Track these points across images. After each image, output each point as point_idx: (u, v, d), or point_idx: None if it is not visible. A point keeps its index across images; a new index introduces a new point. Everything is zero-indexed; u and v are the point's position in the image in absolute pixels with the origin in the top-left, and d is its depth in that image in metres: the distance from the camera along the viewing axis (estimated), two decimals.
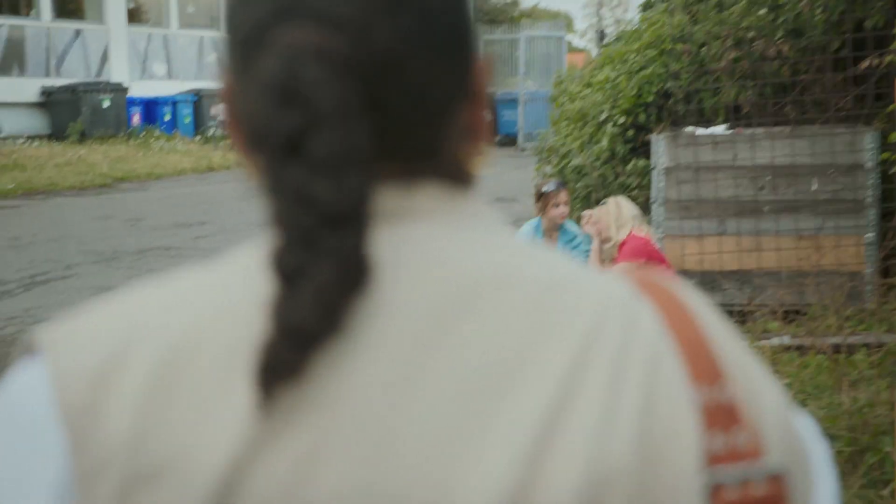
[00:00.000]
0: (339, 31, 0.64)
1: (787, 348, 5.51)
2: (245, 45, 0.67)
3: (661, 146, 6.37)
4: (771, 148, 6.19)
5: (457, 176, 0.71)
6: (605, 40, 22.62)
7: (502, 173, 18.05)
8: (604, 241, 5.78)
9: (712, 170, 6.29)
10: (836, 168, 6.12)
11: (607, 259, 5.86)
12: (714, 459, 0.61)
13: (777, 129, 6.40)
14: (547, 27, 24.91)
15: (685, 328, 0.65)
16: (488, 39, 26.36)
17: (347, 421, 0.61)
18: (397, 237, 0.66)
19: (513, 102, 22.24)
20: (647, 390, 0.62)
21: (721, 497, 0.61)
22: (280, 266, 0.62)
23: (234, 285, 0.67)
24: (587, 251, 6.05)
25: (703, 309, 0.67)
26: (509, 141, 22.64)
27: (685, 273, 6.24)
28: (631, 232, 5.63)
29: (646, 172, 7.11)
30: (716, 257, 6.28)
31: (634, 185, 7.17)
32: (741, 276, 6.30)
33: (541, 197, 6.16)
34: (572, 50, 43.44)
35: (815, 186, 6.15)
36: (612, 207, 5.79)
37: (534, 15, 37.57)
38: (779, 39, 6.72)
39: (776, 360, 5.23)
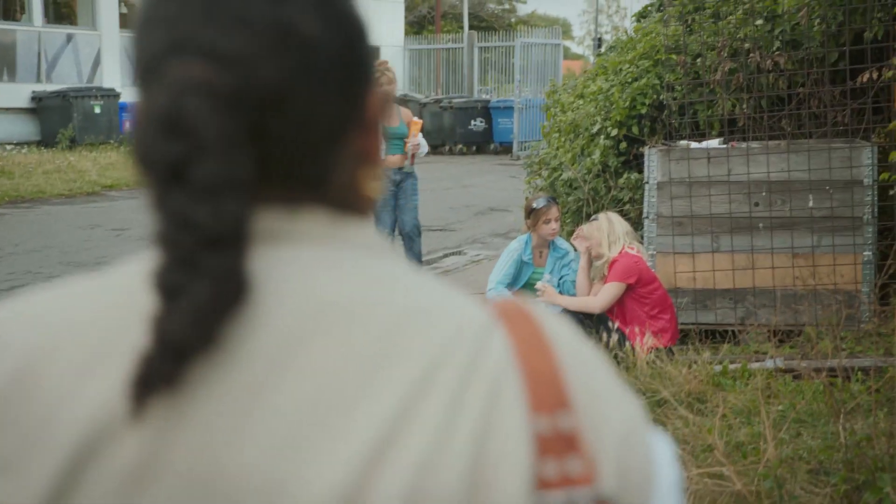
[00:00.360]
0: (225, 66, 0.68)
1: (782, 372, 5.32)
2: (144, 74, 0.72)
3: (653, 160, 6.19)
4: (766, 163, 6.01)
5: (346, 202, 0.75)
6: (602, 47, 22.44)
7: (496, 182, 17.87)
8: (595, 257, 5.61)
9: (706, 185, 6.11)
10: (833, 184, 5.94)
11: (597, 277, 5.69)
12: (544, 484, 0.65)
13: (773, 143, 6.23)
14: (543, 34, 24.75)
15: (535, 358, 0.68)
16: (484, 46, 26.24)
17: (201, 417, 0.66)
18: (275, 259, 0.70)
19: (508, 110, 22.08)
20: (482, 418, 0.66)
21: None
22: (161, 283, 0.66)
23: (110, 295, 0.72)
24: (577, 270, 5.88)
25: (563, 338, 0.71)
26: (504, 149, 22.48)
27: (677, 291, 6.06)
28: (623, 249, 5.44)
29: (639, 186, 6.93)
30: (709, 275, 6.10)
31: (627, 199, 6.98)
32: (734, 295, 6.11)
33: (531, 213, 5.97)
34: (570, 56, 43.37)
35: (811, 203, 5.97)
36: (603, 223, 5.61)
37: (530, 22, 37.43)
38: (775, 51, 6.54)
39: (769, 384, 5.04)
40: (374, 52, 0.77)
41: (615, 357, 5.14)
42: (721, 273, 6.07)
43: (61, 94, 19.02)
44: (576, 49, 54.69)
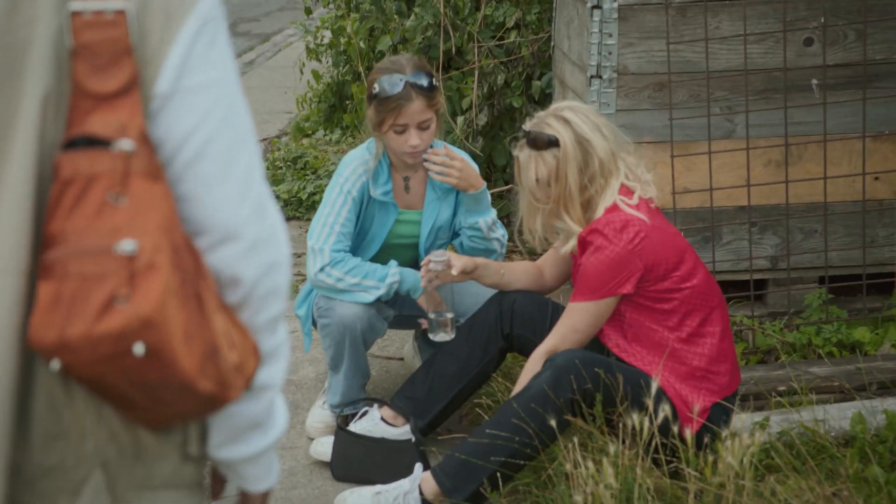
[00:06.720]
0: None
1: None
2: None
3: None
4: None
5: None
6: None
7: None
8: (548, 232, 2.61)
9: (713, 9, 3.20)
10: None
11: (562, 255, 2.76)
12: None
13: None
14: None
15: None
16: None
17: None
18: None
19: None
20: None
21: (80, 19, 1.00)
22: None
23: None
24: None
25: None
26: None
27: (674, 215, 3.20)
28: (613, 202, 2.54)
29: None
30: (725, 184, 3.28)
31: (513, 25, 3.92)
32: (761, 217, 3.35)
33: (372, 100, 2.85)
34: None
35: None
36: (569, 146, 2.54)
37: None
38: None
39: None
40: None
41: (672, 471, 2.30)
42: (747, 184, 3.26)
43: None
44: None
